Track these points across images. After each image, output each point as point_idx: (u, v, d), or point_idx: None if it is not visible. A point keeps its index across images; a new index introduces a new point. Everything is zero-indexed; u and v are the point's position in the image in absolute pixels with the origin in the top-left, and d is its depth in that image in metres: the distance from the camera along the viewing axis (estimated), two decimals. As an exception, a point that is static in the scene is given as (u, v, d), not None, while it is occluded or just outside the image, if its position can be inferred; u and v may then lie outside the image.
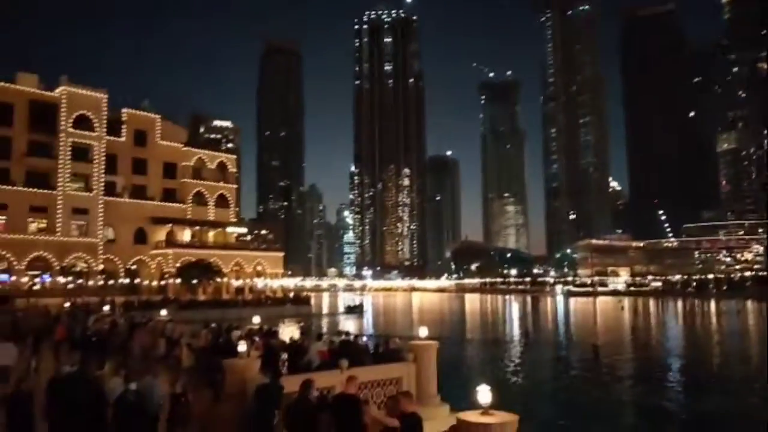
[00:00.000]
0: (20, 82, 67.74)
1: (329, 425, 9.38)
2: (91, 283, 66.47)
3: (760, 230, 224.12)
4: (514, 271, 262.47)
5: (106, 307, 39.48)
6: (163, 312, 33.10)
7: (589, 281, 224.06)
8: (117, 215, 72.23)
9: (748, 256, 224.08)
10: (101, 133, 71.44)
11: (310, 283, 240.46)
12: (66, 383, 10.62)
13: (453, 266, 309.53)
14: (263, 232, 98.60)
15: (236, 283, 79.60)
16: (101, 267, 69.73)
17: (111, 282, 68.69)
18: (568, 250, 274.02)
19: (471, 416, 7.51)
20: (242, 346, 13.64)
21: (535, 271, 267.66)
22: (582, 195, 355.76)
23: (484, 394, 7.69)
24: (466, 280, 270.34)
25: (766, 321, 78.44)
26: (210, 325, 24.90)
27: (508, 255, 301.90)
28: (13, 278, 62.42)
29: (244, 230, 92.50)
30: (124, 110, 76.36)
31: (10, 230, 63.63)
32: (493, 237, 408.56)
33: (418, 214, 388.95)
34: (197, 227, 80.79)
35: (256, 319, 24.34)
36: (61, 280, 64.83)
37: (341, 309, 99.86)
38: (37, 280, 64.81)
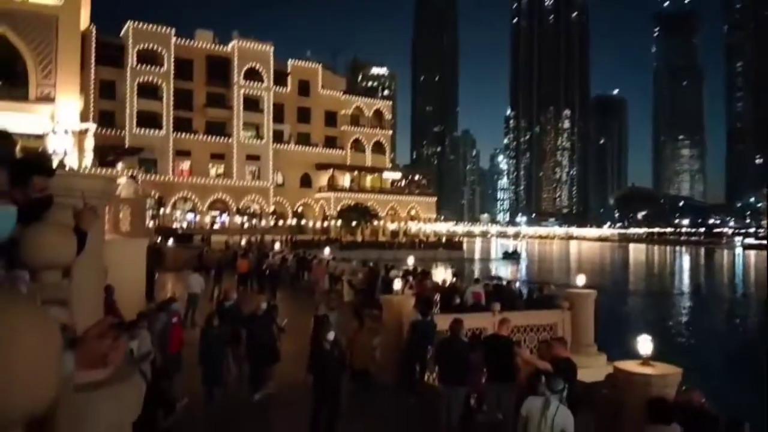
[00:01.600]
0: (198, 38, 73.89)
1: (480, 364, 9.55)
2: (263, 223, 72.50)
3: None
4: (686, 221, 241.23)
5: (277, 245, 43.12)
6: (326, 251, 35.39)
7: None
8: (285, 161, 77.34)
9: None
10: (269, 84, 76.11)
11: (462, 228, 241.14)
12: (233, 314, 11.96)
13: (617, 214, 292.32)
14: (417, 177, 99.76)
15: (392, 226, 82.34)
16: (272, 209, 75.66)
17: (280, 223, 74.34)
18: (752, 199, 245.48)
19: (630, 366, 7.22)
20: (398, 284, 14.25)
21: (711, 221, 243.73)
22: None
23: (644, 344, 7.34)
24: (631, 230, 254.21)
25: None
26: (368, 264, 26.23)
27: (681, 203, 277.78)
28: (198, 218, 70.13)
29: (398, 175, 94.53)
30: (290, 61, 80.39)
31: (194, 175, 71.09)
32: (663, 183, 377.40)
33: (580, 159, 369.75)
34: (356, 172, 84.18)
35: (411, 260, 25.15)
36: (238, 220, 71.46)
37: (494, 255, 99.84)
38: (217, 219, 72.14)
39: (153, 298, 18.73)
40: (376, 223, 77.72)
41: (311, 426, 8.54)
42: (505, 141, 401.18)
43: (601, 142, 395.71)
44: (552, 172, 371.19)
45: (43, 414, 1.27)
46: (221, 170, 73.90)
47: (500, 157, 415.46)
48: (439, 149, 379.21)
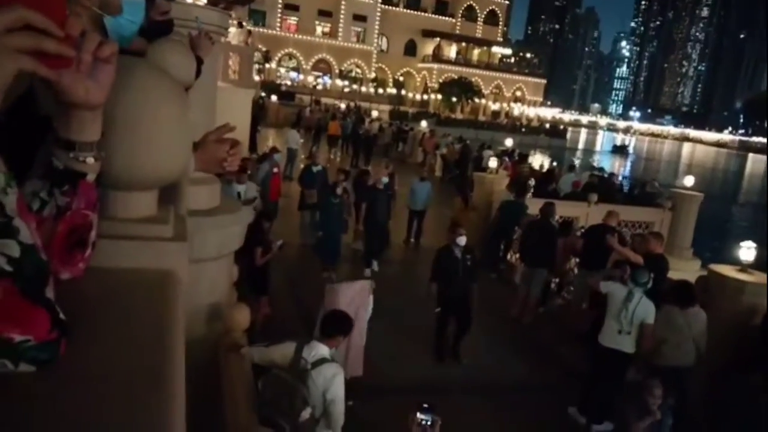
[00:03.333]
0: None
1: (565, 249, 9.52)
2: (363, 89, 72.27)
3: None
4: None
5: (375, 113, 43.25)
6: (423, 123, 35.16)
7: None
8: (391, 25, 75.02)
9: None
10: (383, -63, 72.27)
11: (569, 116, 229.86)
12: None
13: (741, 120, 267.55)
14: (528, 55, 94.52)
15: (494, 106, 79.79)
16: (373, 75, 74.91)
17: (380, 90, 73.83)
18: None
19: (726, 270, 6.96)
20: (492, 162, 14.07)
21: None
22: None
23: (747, 250, 7.00)
24: (754, 138, 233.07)
25: None
26: (464, 141, 25.93)
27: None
28: (301, 77, 70.78)
29: (508, 51, 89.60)
30: None
31: (300, 32, 70.77)
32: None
33: (712, 53, 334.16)
34: (463, 44, 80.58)
35: (509, 142, 24.59)
36: (339, 83, 71.56)
37: (599, 148, 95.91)
38: (319, 80, 72.54)
39: (256, 150, 19.52)
40: (477, 100, 75.44)
41: (436, 337, 7.75)
42: (632, 24, 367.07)
43: (741, 36, 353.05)
44: (678, 65, 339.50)
45: (172, 181, 1.46)
46: (327, 29, 72.95)
47: (623, 43, 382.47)
48: (557, 26, 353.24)
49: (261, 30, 65.08)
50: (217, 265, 5.02)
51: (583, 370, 7.26)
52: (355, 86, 72.24)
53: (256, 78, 50.59)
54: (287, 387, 3.86)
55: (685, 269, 12.03)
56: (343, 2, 71.61)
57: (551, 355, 8.40)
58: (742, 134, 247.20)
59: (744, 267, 6.93)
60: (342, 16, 72.00)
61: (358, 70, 74.28)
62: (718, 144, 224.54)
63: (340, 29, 72.27)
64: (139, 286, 1.17)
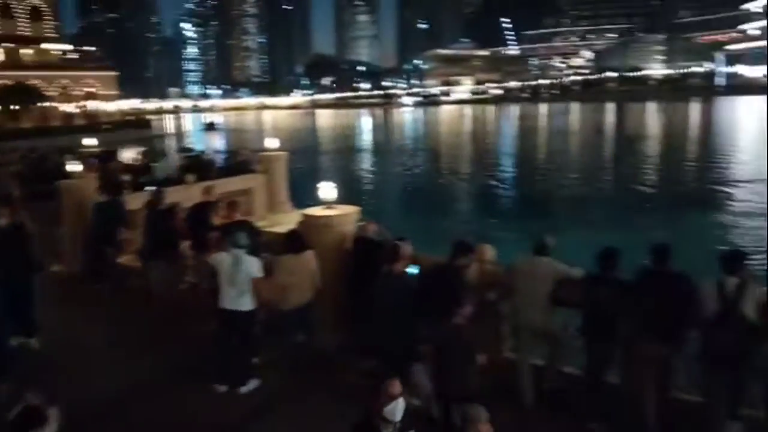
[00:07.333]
0: None
1: (179, 233, 9.44)
2: None
3: (592, 36, 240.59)
4: (366, 85, 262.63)
5: None
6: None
7: (437, 91, 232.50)
8: None
9: (579, 61, 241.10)
10: None
11: (151, 105, 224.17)
12: None
13: (304, 82, 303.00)
14: (92, 48, 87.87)
15: (66, 107, 72.18)
16: None
17: None
18: (416, 61, 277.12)
19: (315, 211, 7.87)
20: (76, 167, 12.78)
21: (385, 83, 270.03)
22: (434, 3, 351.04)
23: (326, 190, 8.00)
24: (319, 96, 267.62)
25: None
26: (34, 152, 22.95)
27: (361, 68, 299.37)
28: None
29: (67, 47, 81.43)
30: None
31: None
32: (344, 50, 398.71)
33: (267, 26, 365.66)
34: (9, 45, 69.70)
35: (91, 141, 22.68)
36: None
37: (188, 129, 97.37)
38: None
39: None
40: (44, 104, 67.12)
41: None
42: (190, 6, 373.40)
43: (285, 8, 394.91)
44: (241, 39, 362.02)
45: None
46: None
47: (185, 24, 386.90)
48: (114, 16, 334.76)
49: None
50: None
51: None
52: None
53: None
54: None
55: (288, 222, 13.21)
56: None
57: (187, 336, 8.24)
58: (309, 94, 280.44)
59: (329, 204, 7.91)
60: None
61: None
62: (293, 107, 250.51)
63: None
64: None
